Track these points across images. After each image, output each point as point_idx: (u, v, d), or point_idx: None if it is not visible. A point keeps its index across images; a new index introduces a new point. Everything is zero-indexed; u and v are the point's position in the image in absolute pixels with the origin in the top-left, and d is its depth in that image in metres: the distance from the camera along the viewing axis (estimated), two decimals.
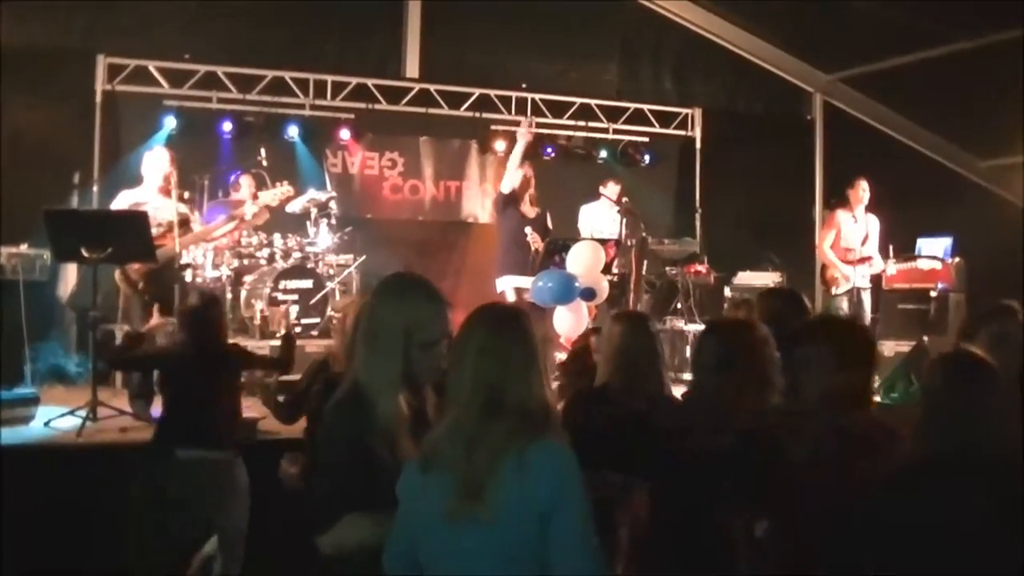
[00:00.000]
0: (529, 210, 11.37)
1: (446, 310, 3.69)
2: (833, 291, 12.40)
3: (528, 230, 11.15)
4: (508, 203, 11.37)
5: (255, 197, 11.09)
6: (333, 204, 12.06)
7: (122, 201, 9.36)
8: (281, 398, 6.41)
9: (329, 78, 13.41)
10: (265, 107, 13.02)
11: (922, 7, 12.60)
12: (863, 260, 12.25)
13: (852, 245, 12.32)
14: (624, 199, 12.10)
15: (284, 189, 10.92)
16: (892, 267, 12.78)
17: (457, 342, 3.32)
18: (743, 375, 4.10)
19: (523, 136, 11.68)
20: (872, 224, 12.49)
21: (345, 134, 13.32)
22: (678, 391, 5.45)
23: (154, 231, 8.92)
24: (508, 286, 11.16)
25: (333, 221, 12.01)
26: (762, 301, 6.04)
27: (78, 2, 12.13)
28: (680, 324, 12.69)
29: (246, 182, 11.75)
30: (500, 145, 13.82)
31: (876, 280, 12.91)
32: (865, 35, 13.87)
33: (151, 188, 9.36)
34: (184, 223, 9.32)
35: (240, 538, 6.39)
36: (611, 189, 12.58)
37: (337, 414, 3.63)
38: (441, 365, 3.65)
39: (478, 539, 3.10)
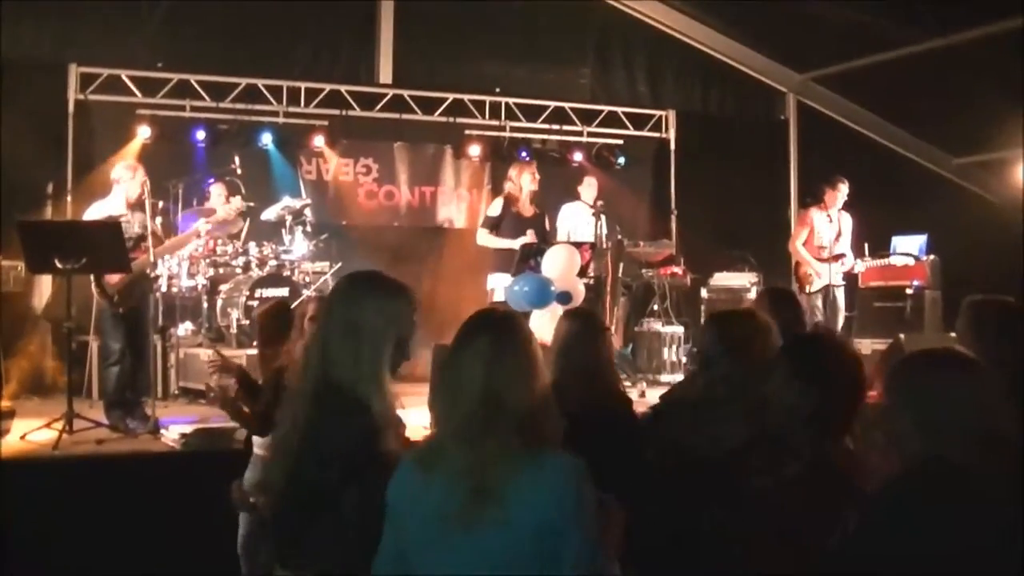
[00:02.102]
0: (527, 209, 11.36)
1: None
2: (807, 289, 12.47)
3: (529, 232, 11.16)
4: (502, 217, 11.36)
5: (228, 203, 11.08)
6: (308, 211, 12.03)
7: (94, 213, 9.31)
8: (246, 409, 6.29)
9: (302, 85, 13.41)
10: (238, 115, 12.98)
11: (893, 7, 12.67)
12: (836, 257, 12.31)
13: (824, 243, 12.42)
14: (599, 202, 12.11)
15: (237, 203, 10.86)
16: (861, 265, 12.80)
17: (457, 346, 3.33)
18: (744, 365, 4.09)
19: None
20: (845, 222, 12.59)
21: (319, 141, 13.27)
22: (654, 393, 5.47)
23: (127, 244, 8.89)
24: (499, 285, 11.12)
25: (308, 228, 11.96)
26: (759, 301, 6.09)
27: (49, 12, 12.10)
28: (657, 326, 12.73)
29: (217, 190, 11.72)
30: (474, 150, 13.82)
31: (851, 278, 12.97)
32: (837, 35, 13.95)
33: (122, 200, 9.31)
34: (156, 235, 9.28)
35: None
36: (588, 185, 12.58)
37: (339, 421, 3.63)
38: (407, 359, 3.81)
39: (483, 544, 3.10)
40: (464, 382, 3.23)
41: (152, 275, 9.38)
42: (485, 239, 11.38)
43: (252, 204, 11.23)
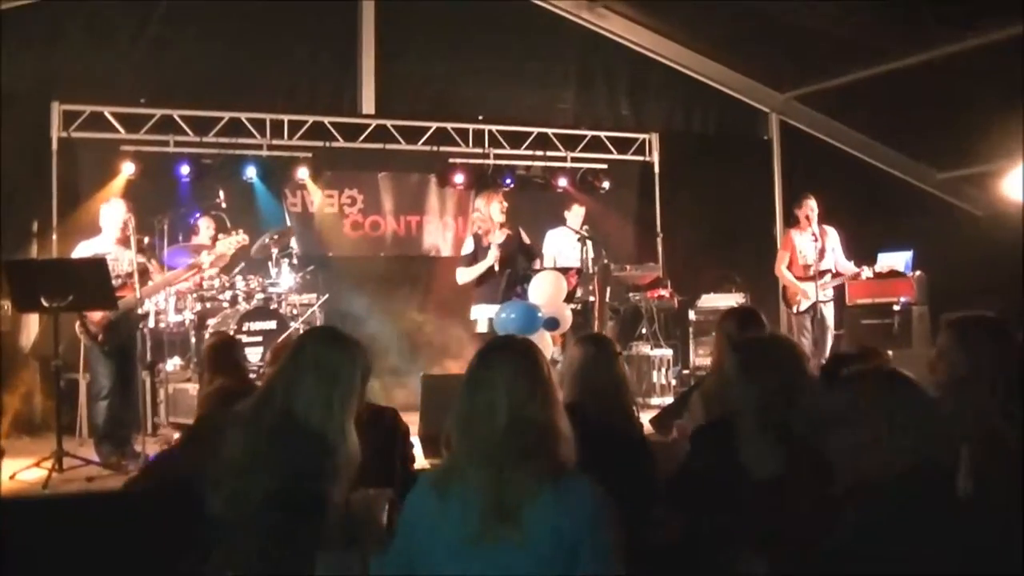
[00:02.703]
0: (498, 237, 11.36)
1: None
2: (794, 309, 12.48)
3: (495, 248, 11.13)
4: (476, 252, 11.34)
5: (215, 240, 11.07)
6: (294, 244, 12.04)
7: (81, 252, 9.33)
8: None
9: (285, 117, 13.41)
10: (222, 149, 12.96)
11: (873, 24, 12.73)
12: (822, 274, 12.31)
13: (808, 261, 12.39)
14: (585, 226, 12.16)
15: (240, 238, 10.84)
16: (868, 270, 12.75)
17: (475, 373, 3.45)
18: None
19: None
20: (831, 238, 12.56)
21: (303, 173, 13.27)
22: (644, 416, 5.51)
23: (114, 282, 8.89)
24: (482, 315, 11.13)
25: (295, 261, 11.99)
26: (719, 323, 6.13)
27: (31, 49, 12.11)
28: (646, 349, 12.74)
29: (205, 224, 11.72)
30: (459, 178, 13.83)
31: (839, 295, 12.98)
32: (817, 53, 14.00)
33: (109, 238, 9.32)
34: (143, 272, 9.27)
35: None
36: (575, 212, 12.59)
37: (300, 458, 3.66)
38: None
39: (500, 564, 3.17)
40: (483, 407, 3.33)
41: (141, 311, 9.38)
42: (464, 276, 11.36)
43: (247, 238, 11.23)
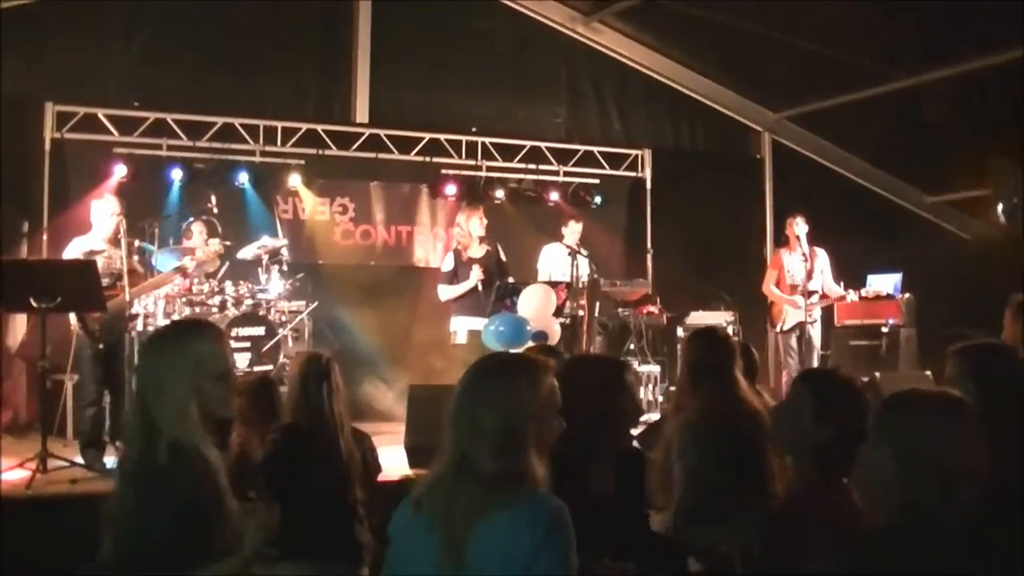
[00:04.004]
0: (476, 251, 11.37)
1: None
2: (779, 327, 12.51)
3: (476, 268, 11.16)
4: (456, 268, 11.35)
5: (206, 244, 11.08)
6: (284, 251, 12.03)
7: (74, 248, 9.32)
8: None
9: (279, 124, 13.43)
10: (215, 154, 12.97)
11: (867, 46, 12.79)
12: (810, 294, 12.33)
13: (796, 281, 12.42)
14: (578, 242, 12.20)
15: (215, 247, 10.86)
16: (853, 294, 12.78)
17: (465, 388, 3.37)
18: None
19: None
20: (821, 258, 12.59)
21: (295, 180, 13.27)
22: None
23: (105, 281, 8.89)
24: (461, 327, 11.15)
25: (284, 267, 11.96)
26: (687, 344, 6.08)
27: (25, 50, 12.09)
28: (634, 365, 12.72)
29: (198, 229, 11.70)
30: (450, 189, 13.83)
31: (827, 316, 13.02)
32: (811, 73, 14.05)
33: (101, 237, 9.32)
34: (132, 273, 9.26)
35: None
36: (572, 228, 12.61)
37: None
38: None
39: None
40: (467, 423, 3.27)
41: (129, 314, 9.37)
42: (446, 293, 11.37)
43: (229, 243, 11.22)
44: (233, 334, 10.95)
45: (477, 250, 11.33)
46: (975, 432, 2.96)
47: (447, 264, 11.53)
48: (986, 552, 2.87)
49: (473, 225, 11.36)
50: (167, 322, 11.11)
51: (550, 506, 3.18)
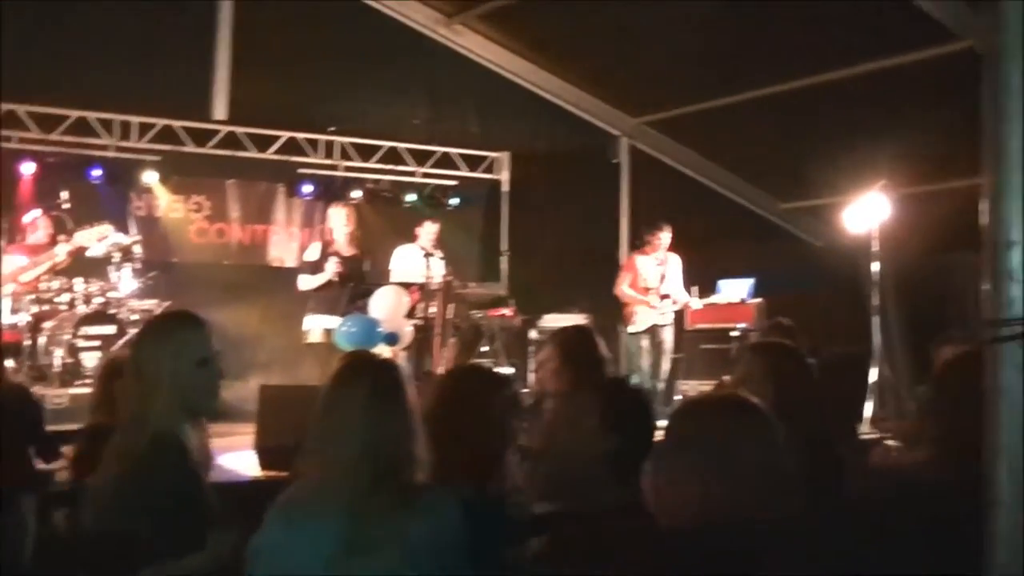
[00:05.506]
0: (345, 250, 11.40)
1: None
2: (630, 329, 12.70)
3: (333, 261, 11.20)
4: (320, 261, 11.36)
5: (53, 239, 10.92)
6: (137, 248, 11.91)
7: None
8: None
9: (134, 119, 13.26)
10: (68, 148, 12.78)
11: (726, 55, 13.01)
12: (662, 297, 12.55)
13: (650, 285, 12.63)
14: (433, 243, 12.25)
15: (102, 228, 10.75)
16: (697, 302, 13.07)
17: (331, 391, 3.36)
18: None
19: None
20: (673, 264, 12.82)
21: (150, 176, 13.14)
22: None
23: None
24: (315, 326, 11.15)
25: (137, 265, 11.84)
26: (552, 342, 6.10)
27: None
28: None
29: (43, 224, 11.51)
30: (307, 188, 13.81)
31: (677, 319, 13.25)
32: (671, 80, 14.18)
33: None
34: None
35: None
36: (427, 229, 12.66)
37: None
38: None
39: None
40: (339, 427, 3.24)
41: None
42: (305, 283, 11.39)
43: (110, 228, 11.06)
44: (82, 333, 10.82)
45: (346, 249, 11.36)
46: (768, 432, 2.99)
47: (311, 254, 11.54)
48: (781, 550, 2.89)
49: (339, 221, 11.41)
50: (28, 318, 10.98)
51: (445, 505, 3.21)
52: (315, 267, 11.32)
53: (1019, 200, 2.64)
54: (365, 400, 3.27)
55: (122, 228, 12.31)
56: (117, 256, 11.61)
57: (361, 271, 11.54)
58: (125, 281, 11.64)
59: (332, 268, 11.11)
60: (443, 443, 3.51)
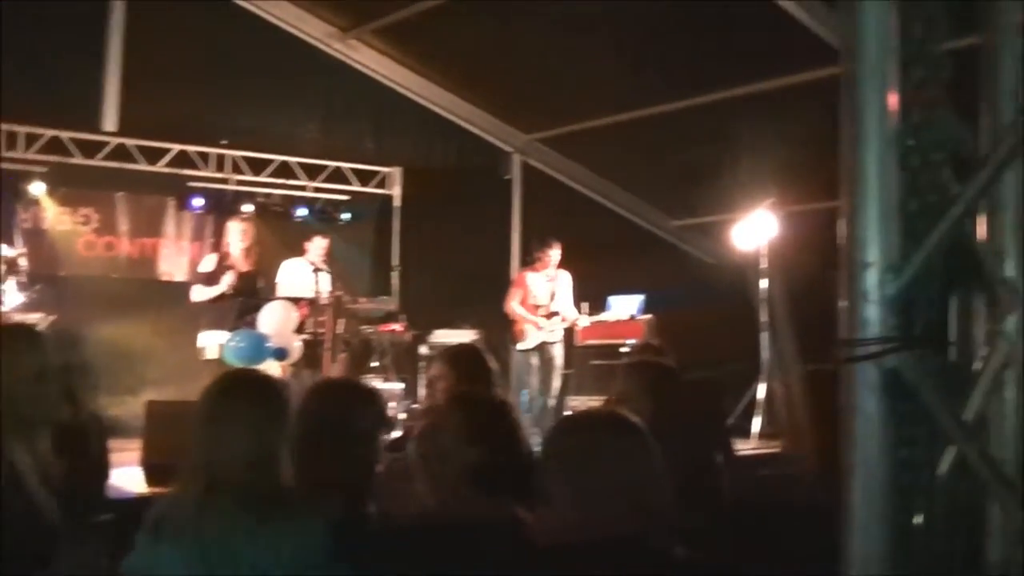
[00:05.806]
0: (241, 264, 11.38)
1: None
2: (519, 346, 12.78)
3: (229, 275, 11.16)
4: (215, 273, 11.31)
5: None
6: (23, 261, 11.77)
7: None
8: None
9: (21, 129, 13.09)
10: None
11: (619, 72, 13.15)
12: (552, 315, 12.66)
13: (540, 302, 12.71)
14: (322, 258, 12.23)
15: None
16: (585, 319, 13.18)
17: (210, 406, 3.37)
18: None
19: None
20: (563, 281, 12.90)
21: (37, 188, 12.97)
22: None
23: None
24: (211, 342, 11.07)
25: (23, 278, 11.70)
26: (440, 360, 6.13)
27: None
28: (377, 383, 12.82)
29: None
30: (197, 202, 13.71)
31: (567, 336, 13.35)
32: (563, 96, 14.30)
33: None
34: None
35: None
36: (316, 244, 12.63)
37: None
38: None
39: None
40: (217, 442, 3.25)
41: None
42: (198, 294, 11.34)
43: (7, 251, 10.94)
44: None
45: (243, 263, 11.33)
46: (643, 449, 3.04)
47: (206, 265, 11.49)
48: (655, 566, 2.94)
49: (235, 236, 11.39)
50: None
51: (313, 523, 3.22)
52: (210, 279, 11.26)
53: (875, 221, 2.73)
54: (244, 414, 3.30)
55: (7, 240, 12.16)
56: (2, 269, 11.47)
57: (255, 286, 11.50)
58: (10, 294, 11.47)
59: (228, 281, 11.07)
60: (310, 460, 3.53)
